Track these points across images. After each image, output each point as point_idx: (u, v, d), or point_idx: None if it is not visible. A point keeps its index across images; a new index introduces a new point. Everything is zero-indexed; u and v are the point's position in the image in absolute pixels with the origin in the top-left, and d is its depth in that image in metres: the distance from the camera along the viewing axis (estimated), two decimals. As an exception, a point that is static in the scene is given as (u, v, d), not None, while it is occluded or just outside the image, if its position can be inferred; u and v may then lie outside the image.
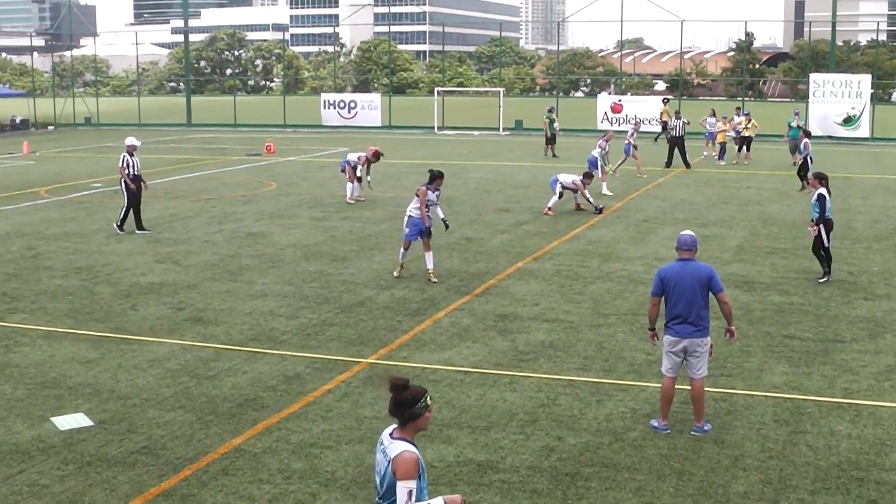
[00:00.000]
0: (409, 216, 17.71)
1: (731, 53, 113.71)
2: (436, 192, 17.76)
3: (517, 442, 10.29)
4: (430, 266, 17.83)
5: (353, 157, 28.49)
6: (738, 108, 42.26)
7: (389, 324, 14.97)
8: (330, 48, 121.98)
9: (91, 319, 15.33)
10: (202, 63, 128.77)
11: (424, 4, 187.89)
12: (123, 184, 23.16)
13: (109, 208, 25.85)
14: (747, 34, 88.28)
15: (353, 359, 13.20)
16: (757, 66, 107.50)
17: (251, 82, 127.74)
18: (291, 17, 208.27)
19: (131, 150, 23.29)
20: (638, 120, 47.03)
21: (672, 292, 10.43)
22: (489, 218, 25.14)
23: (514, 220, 24.76)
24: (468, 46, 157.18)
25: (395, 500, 5.89)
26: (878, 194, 30.25)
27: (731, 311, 10.74)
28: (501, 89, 64.13)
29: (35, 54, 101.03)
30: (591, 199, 25.88)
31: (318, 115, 62.38)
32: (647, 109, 55.30)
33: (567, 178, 26.12)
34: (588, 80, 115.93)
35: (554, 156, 42.33)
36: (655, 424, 10.67)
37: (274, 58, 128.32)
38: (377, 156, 28.50)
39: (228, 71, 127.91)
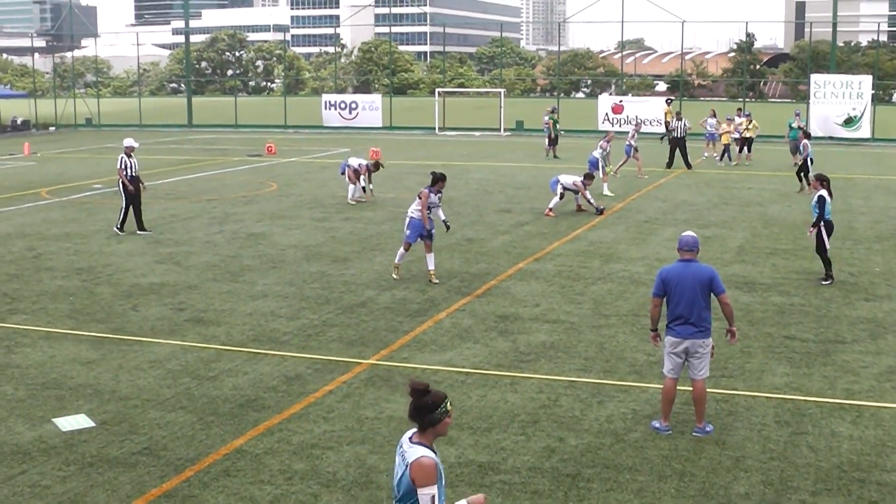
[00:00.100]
0: (411, 217, 17.69)
1: (732, 54, 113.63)
2: (438, 195, 17.76)
3: (518, 443, 10.29)
4: (431, 267, 17.83)
5: (354, 161, 28.45)
6: (739, 109, 42.23)
7: (390, 325, 14.97)
8: (331, 49, 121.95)
9: (92, 320, 15.34)
10: (203, 64, 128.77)
11: (425, 5, 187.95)
12: (121, 185, 23.23)
13: (110, 209, 25.84)
14: (748, 35, 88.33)
15: (354, 360, 13.20)
16: (758, 66, 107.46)
17: (252, 83, 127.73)
18: (292, 17, 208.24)
19: (129, 152, 23.33)
20: (639, 121, 47.03)
21: (673, 293, 10.43)
22: (490, 219, 25.14)
23: (515, 221, 24.76)
24: (469, 47, 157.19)
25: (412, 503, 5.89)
26: (879, 195, 30.24)
27: (733, 312, 10.74)
28: (502, 90, 64.12)
29: (36, 55, 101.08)
30: (591, 200, 25.88)
31: (319, 116, 62.38)
32: (648, 110, 55.34)
33: (568, 180, 26.11)
34: (589, 81, 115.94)
35: (555, 157, 42.35)
36: (657, 425, 10.67)
37: (275, 59, 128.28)
38: (377, 166, 28.40)
39: (229, 72, 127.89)
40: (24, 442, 10.36)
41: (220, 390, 11.97)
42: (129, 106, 76.28)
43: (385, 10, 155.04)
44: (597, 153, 29.93)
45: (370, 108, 61.64)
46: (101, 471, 9.62)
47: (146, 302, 16.47)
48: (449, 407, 6.03)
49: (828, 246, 17.72)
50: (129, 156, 23.28)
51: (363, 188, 28.22)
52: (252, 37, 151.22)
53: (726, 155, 39.53)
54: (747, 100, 64.92)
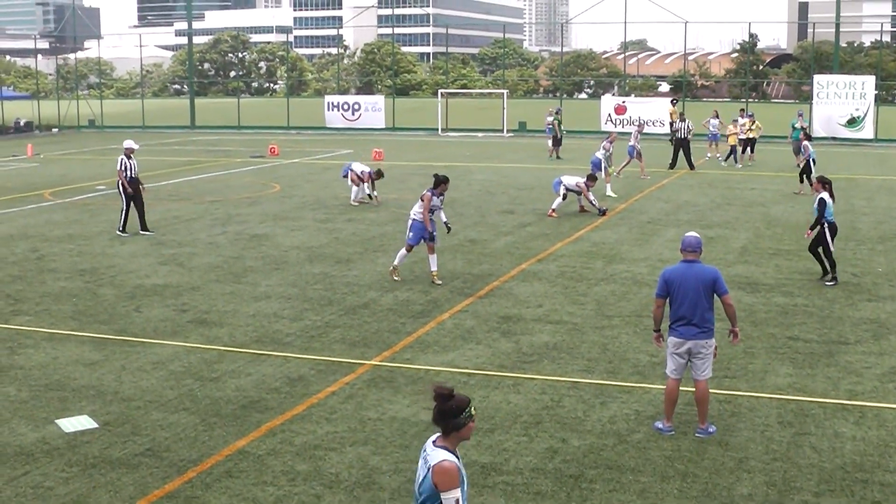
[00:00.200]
0: (413, 220, 17.68)
1: (735, 55, 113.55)
2: (440, 197, 17.75)
3: (521, 444, 10.29)
4: (433, 268, 17.82)
5: (358, 167, 28.37)
6: (742, 110, 42.20)
7: (393, 326, 14.97)
8: (333, 50, 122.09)
9: (95, 321, 15.35)
10: (206, 65, 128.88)
11: (428, 6, 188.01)
12: (121, 186, 23.29)
13: (113, 210, 25.84)
14: (751, 35, 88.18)
15: (357, 361, 13.20)
16: (761, 67, 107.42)
17: (255, 84, 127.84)
18: (295, 19, 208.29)
19: (129, 153, 23.38)
20: (641, 122, 47.03)
21: (676, 294, 10.43)
22: (493, 220, 25.14)
23: (518, 222, 24.75)
24: (471, 48, 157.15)
25: None
26: (882, 195, 30.22)
27: (736, 312, 10.73)
28: (505, 91, 64.08)
29: (39, 57, 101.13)
30: (594, 202, 25.86)
31: (321, 117, 62.41)
32: (651, 111, 55.34)
33: (571, 180, 26.10)
34: (592, 82, 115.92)
35: (558, 157, 42.35)
36: (660, 426, 10.67)
37: (278, 60, 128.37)
38: (380, 174, 28.27)
39: (232, 73, 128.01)
40: (27, 443, 10.37)
41: (222, 391, 11.97)
42: (132, 107, 76.33)
43: (388, 12, 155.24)
44: (599, 154, 29.93)
45: (373, 110, 61.66)
46: (103, 472, 9.63)
47: (149, 303, 16.48)
48: (473, 411, 6.03)
49: (832, 247, 17.72)
50: (128, 157, 23.32)
51: (368, 195, 28.16)
52: (255, 38, 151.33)
53: (733, 156, 39.45)
54: (750, 100, 64.78)
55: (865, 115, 51.48)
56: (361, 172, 28.08)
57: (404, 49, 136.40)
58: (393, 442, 10.31)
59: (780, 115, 58.19)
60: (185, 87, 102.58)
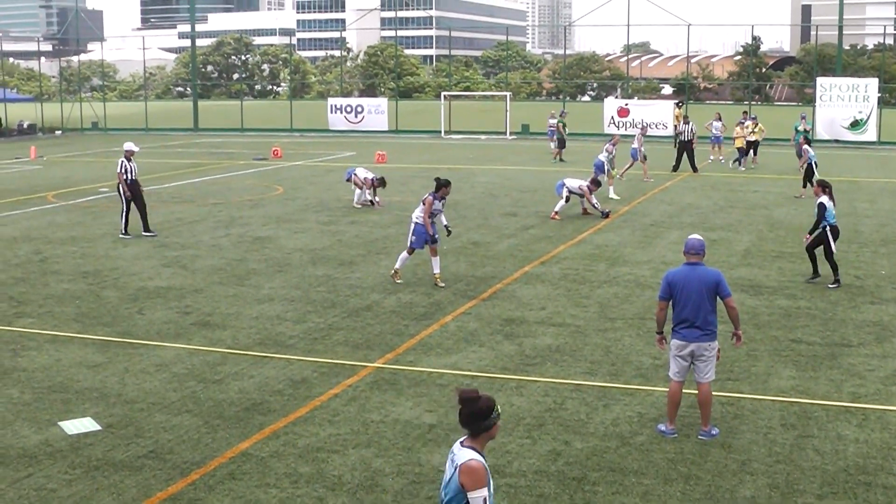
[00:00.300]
0: (416, 223, 17.68)
1: (738, 57, 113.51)
2: (441, 201, 17.76)
3: (524, 446, 10.29)
4: (436, 270, 17.83)
5: (361, 172, 28.29)
6: (745, 113, 42.17)
7: (396, 328, 14.97)
8: (337, 53, 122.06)
9: (98, 324, 15.36)
10: (209, 68, 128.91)
11: (431, 9, 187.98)
12: (120, 188, 23.35)
13: (116, 213, 25.82)
14: (754, 38, 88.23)
15: (360, 363, 13.21)
16: (764, 69, 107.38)
17: (258, 87, 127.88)
18: (298, 21, 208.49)
19: (129, 156, 23.43)
20: (645, 125, 47.02)
21: (679, 296, 10.43)
22: (496, 222, 25.15)
23: (521, 225, 24.76)
24: (475, 51, 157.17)
25: None
26: (884, 198, 30.21)
27: (739, 315, 10.73)
28: (508, 93, 64.12)
29: (42, 59, 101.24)
30: (597, 205, 25.85)
31: (324, 120, 62.45)
32: (654, 113, 55.33)
33: (574, 183, 26.09)
34: (595, 85, 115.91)
35: (561, 160, 42.35)
36: (662, 428, 10.67)
37: (281, 62, 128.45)
38: (383, 182, 28.17)
39: (235, 75, 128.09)
40: (30, 445, 10.38)
41: (225, 394, 11.98)
42: (136, 109, 76.34)
43: (391, 14, 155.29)
44: (602, 156, 29.92)
45: (376, 112, 61.71)
46: (106, 474, 9.64)
47: (152, 305, 16.49)
48: (499, 410, 6.09)
49: (834, 250, 17.72)
50: (128, 160, 23.37)
51: (370, 201, 28.10)
52: (258, 41, 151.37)
53: (744, 159, 39.27)
54: (753, 103, 64.77)
55: (868, 117, 51.47)
56: (364, 179, 28.02)
57: (407, 52, 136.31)
58: (396, 444, 10.32)
59: (783, 117, 58.22)
60: (189, 89, 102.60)
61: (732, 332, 10.81)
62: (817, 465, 9.82)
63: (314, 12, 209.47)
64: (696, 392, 10.66)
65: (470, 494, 5.84)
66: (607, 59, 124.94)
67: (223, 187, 33.56)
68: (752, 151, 39.55)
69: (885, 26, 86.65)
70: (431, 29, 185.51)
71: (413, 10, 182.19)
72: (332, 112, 62.17)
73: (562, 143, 43.43)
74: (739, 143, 39.35)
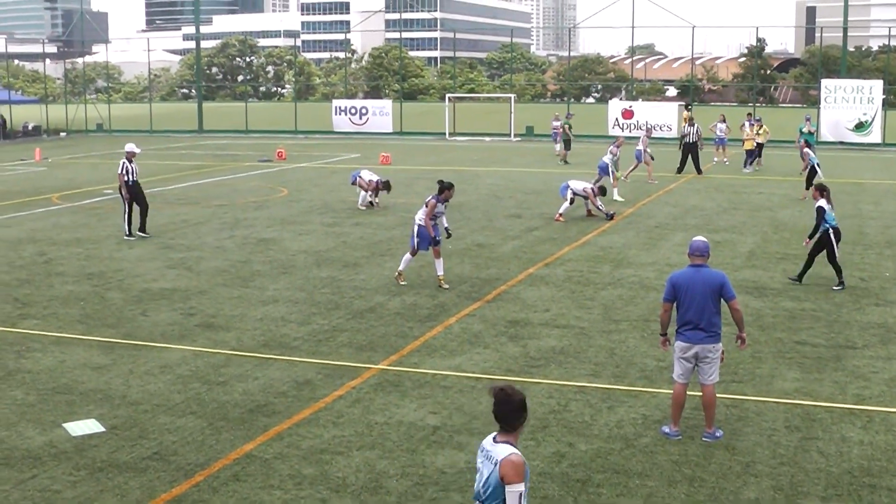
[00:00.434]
0: (419, 226, 17.67)
1: (743, 59, 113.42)
2: (444, 204, 17.77)
3: (528, 448, 10.27)
4: (440, 272, 17.82)
5: (366, 175, 28.26)
6: (750, 115, 42.13)
7: (400, 330, 14.97)
8: (341, 54, 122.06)
9: (102, 325, 15.38)
10: (214, 69, 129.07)
11: (436, 11, 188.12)
12: (121, 190, 23.41)
13: (120, 214, 25.85)
14: (758, 40, 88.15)
15: (364, 365, 13.21)
16: (768, 71, 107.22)
17: (262, 89, 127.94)
18: (303, 23, 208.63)
19: (130, 157, 23.48)
20: (649, 126, 46.99)
21: (684, 298, 10.42)
22: (500, 224, 25.14)
23: (526, 226, 24.75)
24: (479, 52, 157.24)
25: (497, 503, 5.96)
26: (889, 200, 30.18)
27: (743, 317, 10.72)
28: (512, 95, 64.16)
29: (47, 61, 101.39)
30: (601, 206, 25.85)
31: (329, 122, 62.49)
32: (658, 115, 55.33)
33: (578, 185, 26.09)
34: (599, 86, 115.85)
35: (565, 162, 42.34)
36: (666, 430, 10.66)
37: (285, 64, 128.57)
38: (388, 186, 28.11)
39: (240, 77, 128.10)
40: (34, 447, 10.39)
41: (229, 395, 11.99)
42: (140, 111, 76.46)
43: (395, 16, 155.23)
44: (607, 158, 29.92)
45: (380, 114, 61.77)
46: (111, 475, 9.64)
47: (156, 307, 16.50)
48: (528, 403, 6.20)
49: (837, 253, 17.72)
50: (130, 161, 23.41)
51: (370, 202, 28.09)
52: (263, 42, 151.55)
53: (755, 160, 39.22)
54: (758, 105, 64.77)
55: (873, 119, 51.46)
56: (369, 181, 28.00)
57: (412, 53, 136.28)
58: (400, 446, 10.32)
59: (788, 119, 58.14)
60: (193, 91, 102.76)
61: (736, 334, 10.80)
62: (821, 468, 9.81)
63: (319, 14, 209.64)
64: (701, 394, 10.65)
65: (508, 488, 5.93)
66: (612, 60, 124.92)
67: (228, 189, 33.59)
68: (756, 153, 39.50)
69: (890, 28, 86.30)
70: (436, 31, 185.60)
71: (418, 11, 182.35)
72: (336, 114, 62.24)
73: (568, 145, 43.46)
74: (749, 145, 39.24)
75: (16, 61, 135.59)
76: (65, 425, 10.98)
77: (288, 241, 22.67)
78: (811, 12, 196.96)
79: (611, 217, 25.70)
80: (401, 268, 18.12)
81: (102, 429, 10.87)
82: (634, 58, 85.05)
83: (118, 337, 14.68)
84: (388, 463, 9.89)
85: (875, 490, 9.30)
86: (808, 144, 32.67)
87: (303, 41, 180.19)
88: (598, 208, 25.86)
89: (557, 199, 26.94)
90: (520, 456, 6.00)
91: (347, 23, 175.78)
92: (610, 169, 29.71)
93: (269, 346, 14.13)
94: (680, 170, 37.26)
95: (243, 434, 10.70)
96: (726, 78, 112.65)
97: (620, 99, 79.64)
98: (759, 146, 39.51)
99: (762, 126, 39.61)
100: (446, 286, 17.65)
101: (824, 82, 53.89)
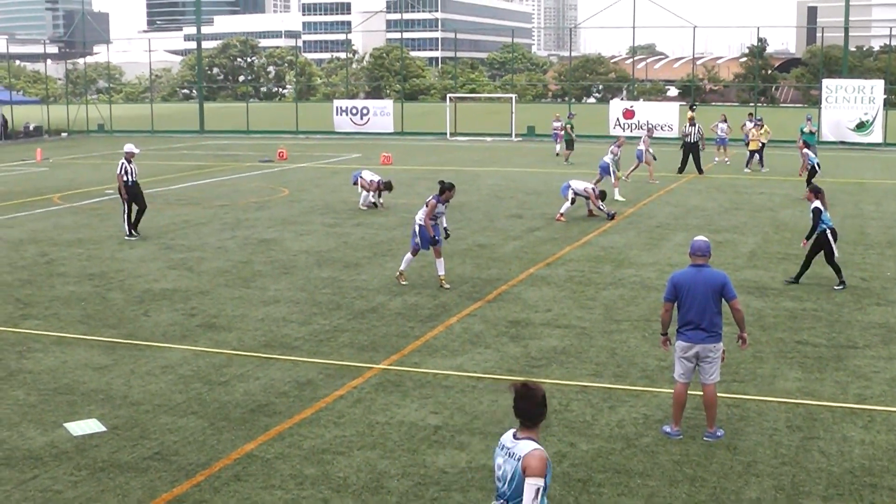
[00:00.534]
0: (420, 225, 17.67)
1: (744, 59, 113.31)
2: (444, 204, 17.77)
3: (529, 448, 10.27)
4: (441, 272, 17.82)
5: (368, 175, 28.24)
6: (751, 115, 42.10)
7: (401, 330, 14.97)
8: (342, 55, 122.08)
9: (104, 325, 15.38)
10: (215, 70, 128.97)
11: (437, 11, 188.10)
12: (120, 190, 23.45)
13: (121, 215, 25.91)
14: (760, 40, 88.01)
15: (366, 365, 13.21)
16: (769, 71, 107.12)
17: (264, 89, 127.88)
18: (304, 24, 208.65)
19: (129, 157, 23.51)
20: (651, 126, 46.98)
21: (685, 298, 10.42)
22: (501, 224, 25.14)
23: (527, 227, 24.75)
24: (480, 53, 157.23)
25: (521, 500, 5.95)
26: (890, 200, 30.17)
27: (744, 317, 10.72)
28: (514, 95, 64.15)
29: (48, 61, 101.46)
30: (602, 207, 25.84)
31: (330, 122, 62.49)
32: (659, 115, 55.33)
33: (579, 185, 26.09)
34: (600, 86, 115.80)
35: (567, 162, 42.32)
36: (668, 430, 10.66)
37: (286, 64, 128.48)
38: (389, 186, 28.09)
39: (241, 78, 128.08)
40: (35, 447, 10.39)
41: (231, 395, 11.99)
42: (141, 112, 76.49)
43: (396, 16, 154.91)
44: (608, 158, 29.91)
45: (381, 114, 61.77)
46: (112, 475, 9.65)
47: (158, 307, 16.51)
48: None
49: (836, 252, 17.73)
50: (129, 161, 23.44)
51: (373, 203, 28.09)
52: (264, 43, 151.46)
53: (758, 160, 39.15)
54: (759, 105, 64.78)
55: (874, 119, 51.44)
56: (371, 182, 27.99)
57: (413, 54, 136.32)
58: (401, 446, 10.32)
59: (789, 119, 58.11)
60: (195, 91, 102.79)
61: (737, 334, 10.80)
62: (823, 467, 9.81)
63: (320, 15, 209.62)
64: (702, 394, 10.65)
65: (528, 480, 5.92)
66: (613, 60, 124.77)
67: (229, 189, 33.60)
68: (757, 153, 39.46)
69: (891, 28, 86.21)
70: (437, 31, 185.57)
71: (419, 12, 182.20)
72: (337, 114, 62.25)
73: (570, 145, 43.45)
74: (754, 145, 39.15)
75: (17, 62, 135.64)
76: (66, 425, 10.98)
77: (289, 242, 22.68)
78: (812, 12, 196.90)
79: (612, 217, 25.70)
80: (402, 268, 18.12)
81: (104, 429, 10.88)
82: (635, 58, 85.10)
83: (119, 337, 14.69)
84: (389, 463, 9.89)
85: (876, 490, 9.30)
86: (808, 145, 32.63)
87: (304, 41, 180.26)
88: (599, 208, 25.85)
89: (558, 199, 26.94)
90: (543, 451, 6.01)
91: (348, 23, 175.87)
92: (611, 169, 29.70)
93: (271, 347, 14.13)
94: (681, 170, 37.23)
95: (244, 434, 10.70)
96: (727, 78, 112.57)
97: (621, 99, 79.62)
98: (761, 146, 39.44)
99: (763, 126, 39.57)
100: (447, 286, 17.65)
101: (825, 82, 53.88)
